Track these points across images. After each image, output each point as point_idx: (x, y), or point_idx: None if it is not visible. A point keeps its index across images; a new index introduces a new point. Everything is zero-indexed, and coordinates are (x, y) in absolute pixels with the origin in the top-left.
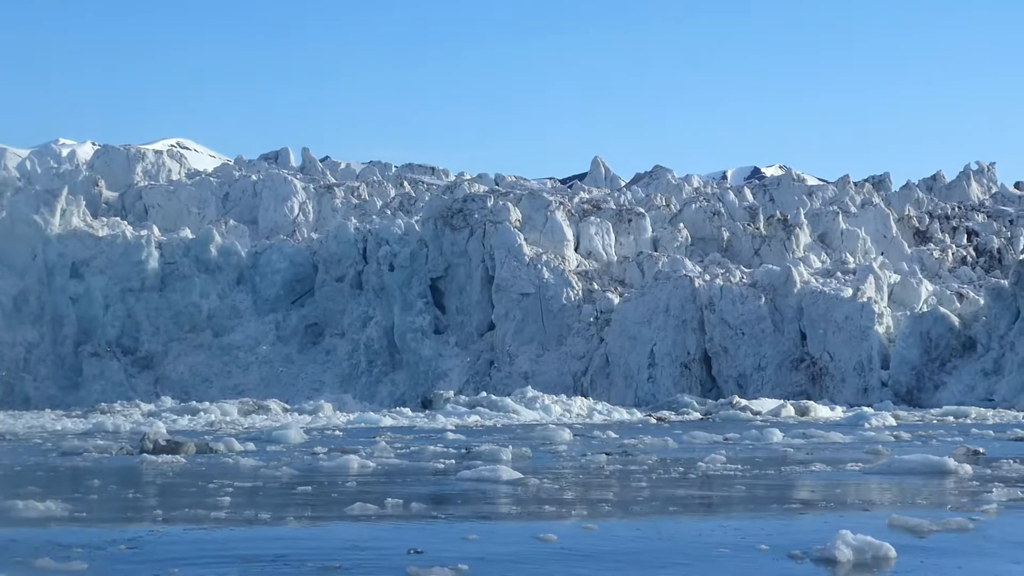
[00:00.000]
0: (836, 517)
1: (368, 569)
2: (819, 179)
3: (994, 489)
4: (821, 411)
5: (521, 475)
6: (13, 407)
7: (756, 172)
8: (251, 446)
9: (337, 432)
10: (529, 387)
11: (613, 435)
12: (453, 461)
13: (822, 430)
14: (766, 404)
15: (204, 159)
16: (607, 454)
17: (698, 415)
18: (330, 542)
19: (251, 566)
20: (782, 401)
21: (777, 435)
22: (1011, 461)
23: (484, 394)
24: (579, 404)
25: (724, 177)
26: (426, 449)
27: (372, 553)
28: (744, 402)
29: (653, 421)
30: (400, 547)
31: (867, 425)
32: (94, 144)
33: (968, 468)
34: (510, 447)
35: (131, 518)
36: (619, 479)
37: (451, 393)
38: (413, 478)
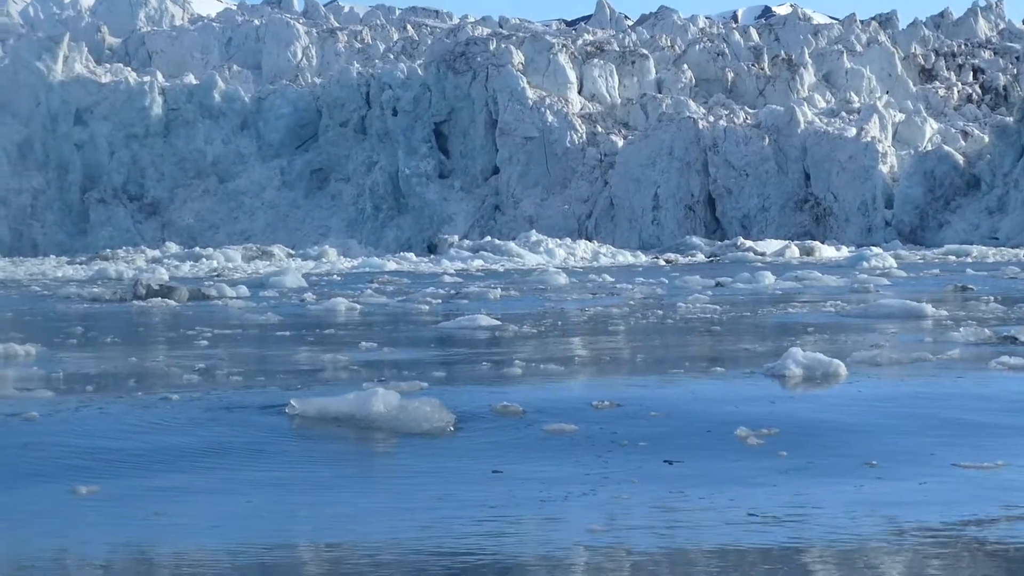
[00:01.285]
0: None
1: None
2: (829, 17)
3: (961, 328)
4: (826, 251)
5: (499, 322)
6: (22, 253)
7: (767, 11)
8: (244, 291)
9: (336, 277)
10: (533, 231)
11: (609, 279)
12: (440, 303)
13: (819, 271)
14: (771, 245)
15: (207, 4)
16: (592, 294)
17: (704, 257)
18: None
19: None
20: (787, 242)
21: (769, 278)
22: (992, 298)
23: (488, 238)
24: (583, 248)
25: (734, 16)
26: (414, 293)
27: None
28: (749, 243)
29: (662, 263)
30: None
31: (864, 265)
32: None
33: (944, 312)
34: (499, 288)
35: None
36: (592, 323)
37: (455, 238)
38: (393, 325)
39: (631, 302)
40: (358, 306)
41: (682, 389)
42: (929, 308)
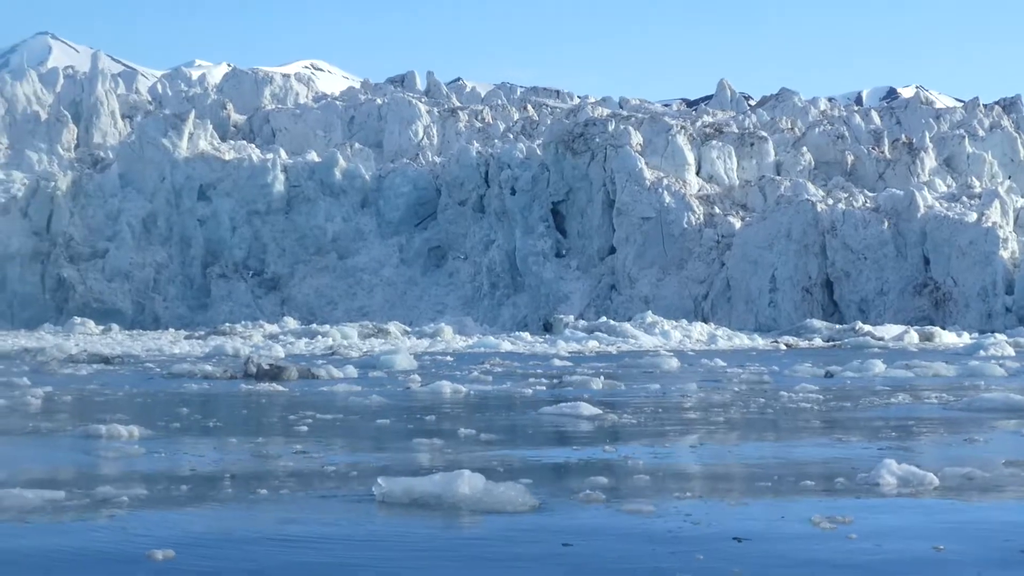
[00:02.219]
0: (883, 451)
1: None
2: (954, 99)
3: None
4: (946, 337)
5: (601, 411)
6: (144, 326)
7: (891, 92)
8: (352, 371)
9: (449, 358)
10: (649, 312)
11: (721, 363)
12: (544, 389)
13: (934, 359)
14: (890, 330)
15: (333, 81)
16: (699, 392)
17: (821, 341)
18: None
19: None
20: (906, 327)
21: (879, 367)
22: None
23: (604, 319)
24: (699, 330)
25: (858, 98)
26: (519, 381)
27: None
28: (868, 328)
29: (781, 347)
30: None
31: (982, 353)
32: (229, 65)
33: None
34: (602, 377)
35: (198, 443)
36: (693, 410)
37: (571, 318)
38: (494, 411)
39: (736, 389)
40: (463, 389)
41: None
42: None
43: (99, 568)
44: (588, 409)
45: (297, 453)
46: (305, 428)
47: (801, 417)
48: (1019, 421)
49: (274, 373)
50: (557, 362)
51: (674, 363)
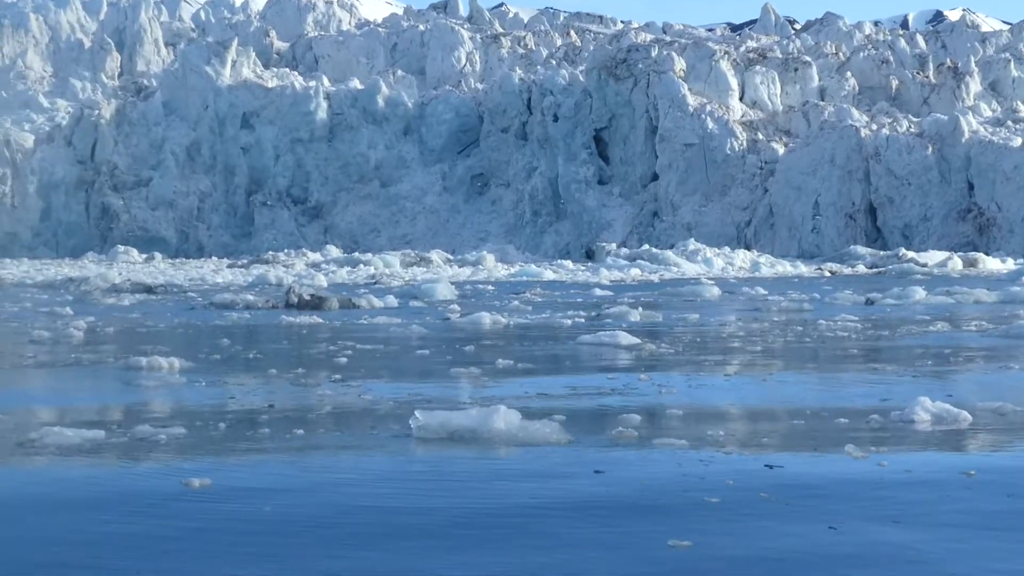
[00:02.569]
0: (916, 384)
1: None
2: (1002, 21)
3: None
4: (990, 263)
5: (639, 340)
6: (187, 255)
7: (938, 15)
8: (392, 301)
9: (489, 287)
10: (692, 239)
11: (762, 291)
12: (582, 321)
13: (977, 285)
14: (934, 257)
15: (376, 7)
16: (737, 321)
17: (865, 268)
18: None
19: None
20: (950, 254)
21: (920, 294)
22: None
23: (646, 247)
24: (741, 257)
25: (904, 21)
26: (556, 313)
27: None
28: (911, 254)
29: (825, 274)
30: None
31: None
32: None
33: None
34: (640, 309)
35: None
36: (730, 340)
37: (613, 245)
38: (531, 342)
39: (776, 319)
40: (503, 320)
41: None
42: None
43: (138, 498)
44: (626, 339)
45: (335, 382)
46: (344, 360)
47: (839, 348)
48: None
49: (315, 303)
50: (598, 291)
51: (715, 291)
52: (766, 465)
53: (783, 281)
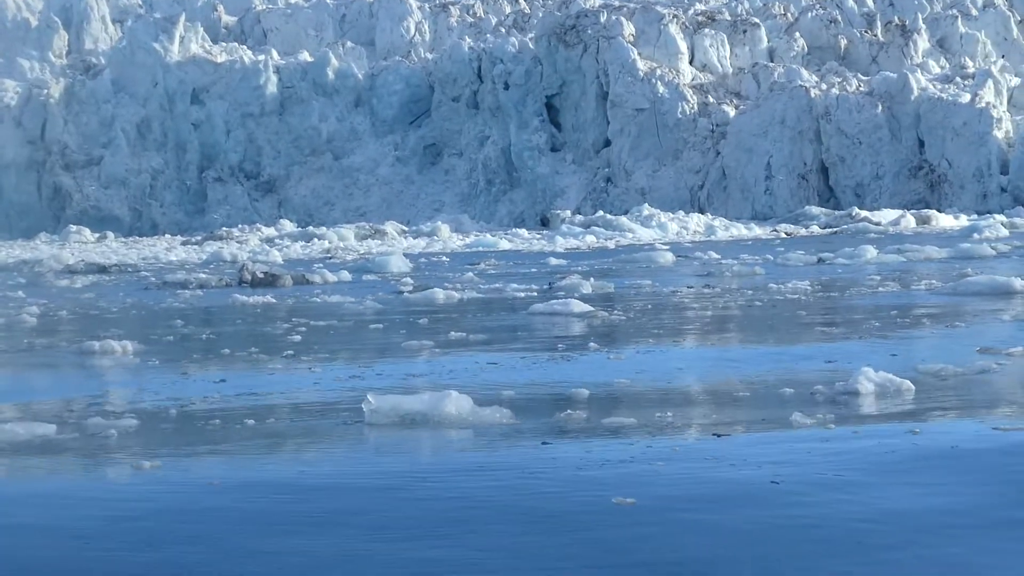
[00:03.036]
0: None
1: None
2: None
3: None
4: (943, 220)
5: (591, 308)
6: (142, 233)
7: None
8: (346, 276)
9: (444, 259)
10: (646, 205)
11: (715, 255)
12: (535, 293)
13: (930, 243)
14: (887, 215)
15: None
16: (688, 287)
17: (819, 228)
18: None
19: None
20: (903, 212)
21: (871, 252)
22: None
23: (600, 213)
24: (695, 221)
25: None
26: (510, 277)
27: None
28: (864, 213)
29: (781, 235)
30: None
31: (976, 236)
32: None
33: None
34: (591, 280)
35: (193, 365)
36: (682, 309)
37: (567, 213)
38: (484, 313)
39: (727, 285)
40: (456, 296)
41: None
42: (1019, 283)
43: (88, 479)
44: (579, 306)
45: (286, 357)
46: (298, 337)
47: (787, 313)
48: (1002, 303)
49: (269, 280)
50: (553, 260)
51: (669, 257)
52: (714, 434)
53: (737, 245)
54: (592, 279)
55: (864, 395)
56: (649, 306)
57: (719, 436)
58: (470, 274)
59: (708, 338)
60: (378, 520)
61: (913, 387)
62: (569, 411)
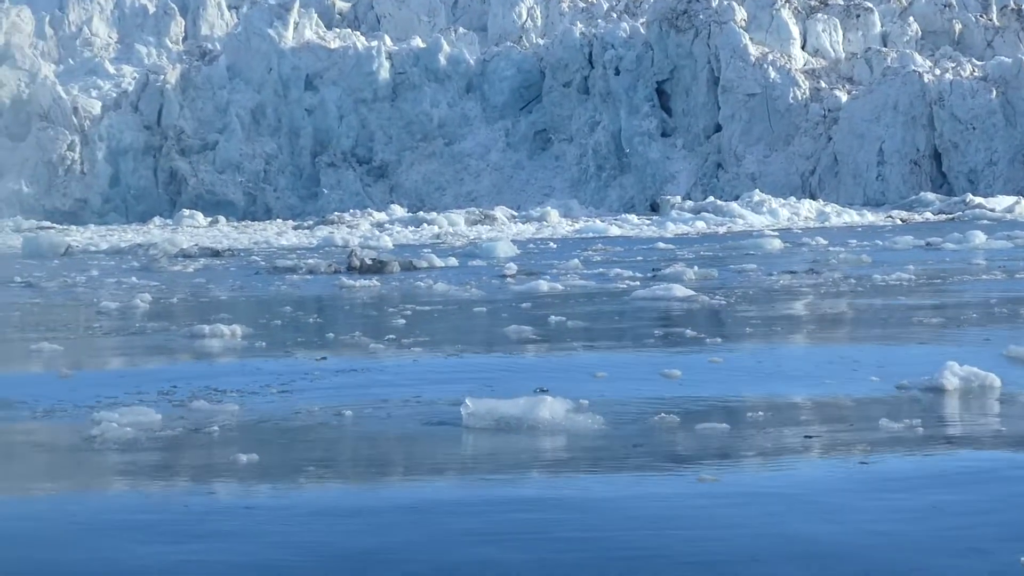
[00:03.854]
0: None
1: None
2: None
3: None
4: None
5: (694, 292)
6: (256, 217)
7: None
8: (453, 262)
9: (552, 244)
10: (756, 191)
11: (823, 241)
12: (638, 282)
13: None
14: (1002, 201)
15: None
16: (792, 272)
17: (932, 215)
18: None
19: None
20: (1017, 198)
21: (980, 237)
22: None
23: (711, 199)
24: (807, 207)
25: None
26: (612, 270)
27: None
28: (979, 200)
29: (898, 222)
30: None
31: None
32: None
33: None
34: (695, 268)
35: (300, 349)
36: (783, 298)
37: (678, 198)
38: (587, 299)
39: (831, 273)
40: (559, 287)
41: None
42: None
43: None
44: (681, 291)
45: (388, 344)
46: (402, 322)
47: (887, 308)
48: None
49: (376, 267)
50: (661, 245)
51: (777, 244)
52: (805, 436)
53: (849, 231)
54: (695, 268)
55: (948, 387)
56: (750, 292)
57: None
58: (575, 261)
59: (801, 334)
60: None
61: (999, 381)
62: (662, 414)
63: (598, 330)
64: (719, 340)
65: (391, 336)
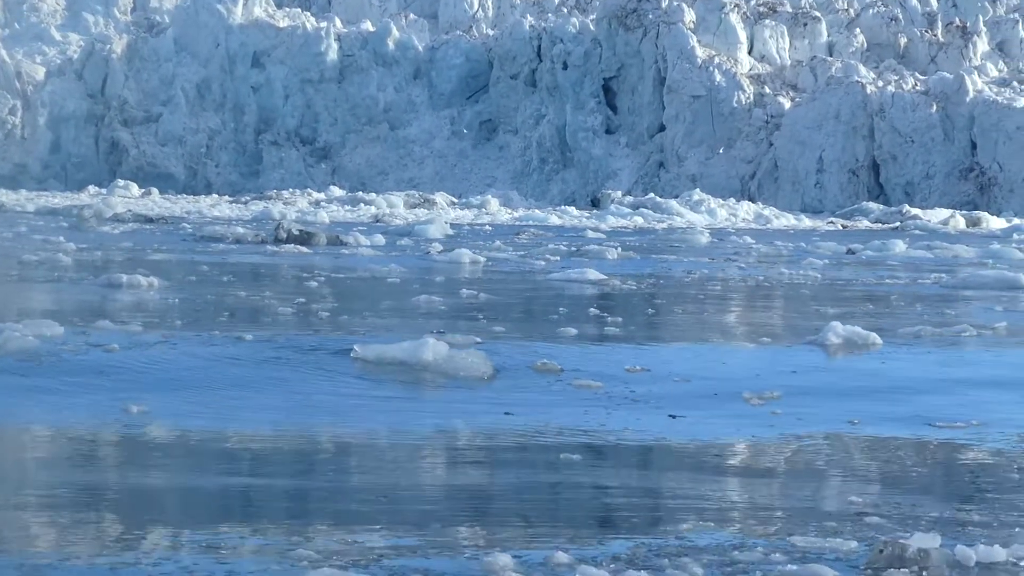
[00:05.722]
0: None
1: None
2: None
3: None
4: (994, 222)
5: (605, 277)
6: (196, 191)
7: None
8: (379, 239)
9: (487, 227)
10: (697, 190)
11: (750, 240)
12: (559, 259)
13: (967, 243)
14: (938, 214)
15: None
16: (711, 259)
17: (869, 223)
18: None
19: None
20: (952, 211)
21: (900, 246)
22: None
23: (651, 195)
24: (745, 208)
25: None
26: (540, 248)
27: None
28: (915, 211)
29: (840, 227)
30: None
31: (1015, 236)
32: None
33: None
34: (618, 249)
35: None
36: (685, 288)
37: (618, 193)
38: (503, 278)
39: (744, 264)
40: (482, 259)
41: (718, 356)
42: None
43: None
44: (594, 275)
45: (296, 304)
46: (314, 284)
47: (789, 292)
48: (1004, 295)
49: (303, 238)
50: (591, 234)
51: (704, 239)
52: (669, 415)
53: (784, 234)
54: (619, 248)
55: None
56: (660, 282)
57: (674, 417)
58: (498, 243)
59: (704, 309)
60: None
61: (880, 340)
62: (544, 360)
63: (505, 305)
64: (619, 320)
65: (301, 300)
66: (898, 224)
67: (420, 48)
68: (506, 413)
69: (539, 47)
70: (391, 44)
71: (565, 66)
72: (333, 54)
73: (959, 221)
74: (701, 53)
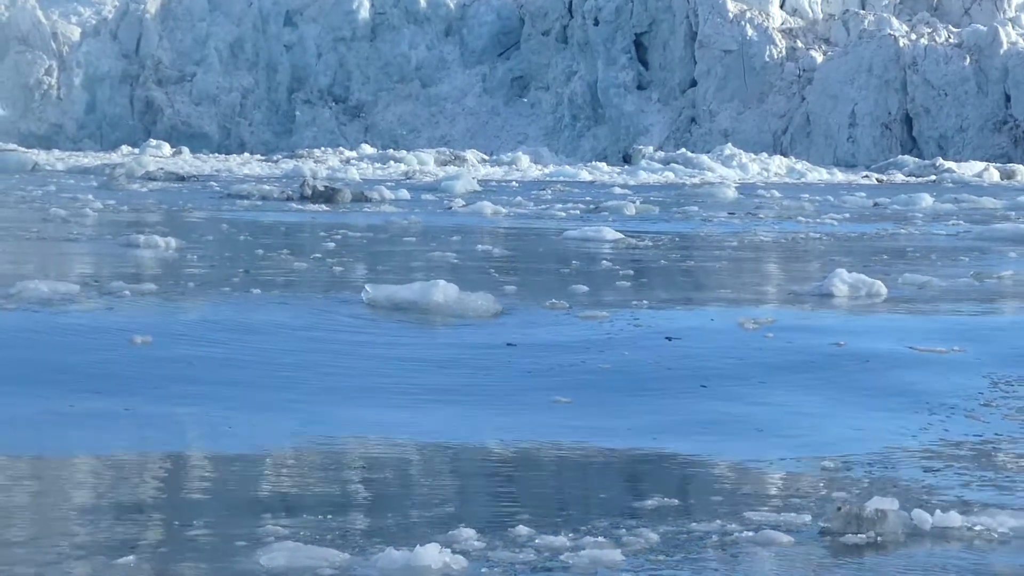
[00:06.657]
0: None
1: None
2: None
3: None
4: None
5: (622, 236)
6: (230, 150)
7: None
8: (404, 194)
9: (515, 184)
10: (728, 145)
11: (777, 195)
12: (578, 213)
13: (992, 195)
14: (972, 167)
15: None
16: (730, 213)
17: (903, 177)
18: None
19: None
20: (986, 164)
21: (927, 200)
22: None
23: (682, 151)
24: (777, 163)
25: None
26: (565, 200)
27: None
28: (949, 164)
29: (874, 182)
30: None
31: None
32: None
33: None
34: (637, 202)
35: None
36: (711, 242)
37: (649, 149)
38: (518, 232)
39: (762, 215)
40: (503, 211)
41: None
42: None
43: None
44: (611, 234)
45: (314, 259)
46: (332, 244)
47: (806, 246)
48: (1020, 248)
49: (328, 195)
50: (618, 191)
51: (730, 193)
52: (666, 338)
53: (813, 187)
54: (638, 202)
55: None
56: (676, 239)
57: (670, 340)
58: (519, 199)
59: (718, 256)
60: None
61: (885, 289)
62: (553, 300)
63: (516, 260)
64: (631, 273)
65: (317, 256)
66: (933, 177)
67: (451, 5)
68: (508, 344)
69: (570, 3)
70: (423, 2)
71: (596, 22)
72: (365, 12)
73: (993, 174)
74: (732, 8)
